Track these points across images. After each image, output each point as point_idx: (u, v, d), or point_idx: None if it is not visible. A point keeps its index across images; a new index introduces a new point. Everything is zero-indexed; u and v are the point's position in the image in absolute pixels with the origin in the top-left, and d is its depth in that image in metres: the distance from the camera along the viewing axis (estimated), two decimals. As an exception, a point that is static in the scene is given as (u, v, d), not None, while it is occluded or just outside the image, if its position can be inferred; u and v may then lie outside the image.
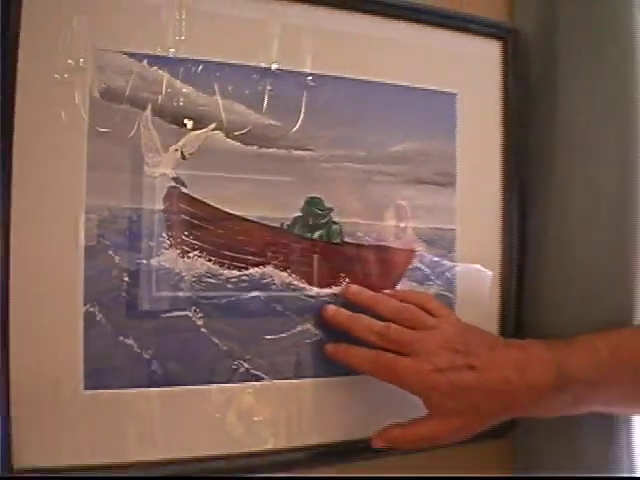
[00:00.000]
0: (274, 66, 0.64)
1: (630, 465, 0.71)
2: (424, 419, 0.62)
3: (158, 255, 0.60)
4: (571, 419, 0.69)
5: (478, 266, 0.75)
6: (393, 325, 0.63)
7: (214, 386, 0.62)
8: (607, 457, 0.72)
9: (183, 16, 0.61)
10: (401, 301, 0.66)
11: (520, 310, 0.77)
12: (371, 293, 0.67)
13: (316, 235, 0.66)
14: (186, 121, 0.61)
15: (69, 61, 0.56)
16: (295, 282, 0.65)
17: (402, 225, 0.71)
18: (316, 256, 0.67)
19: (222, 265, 0.62)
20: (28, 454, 0.55)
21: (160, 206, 0.60)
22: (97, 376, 0.57)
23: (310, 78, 0.66)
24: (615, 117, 0.71)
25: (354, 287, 0.67)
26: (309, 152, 0.66)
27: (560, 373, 0.62)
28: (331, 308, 0.66)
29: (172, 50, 0.60)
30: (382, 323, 0.63)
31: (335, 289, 0.67)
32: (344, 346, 0.64)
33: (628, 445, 0.72)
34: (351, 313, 0.65)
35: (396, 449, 0.64)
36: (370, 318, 0.64)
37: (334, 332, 0.65)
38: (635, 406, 0.69)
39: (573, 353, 0.64)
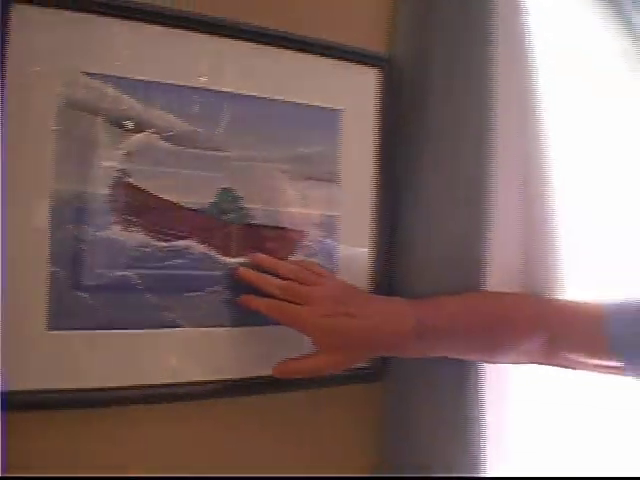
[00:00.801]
0: (201, 83, 0.77)
1: (477, 397, 0.82)
2: (313, 354, 0.72)
3: (106, 229, 0.71)
4: (430, 365, 0.81)
5: (356, 246, 0.86)
6: (291, 282, 0.74)
7: (147, 331, 0.73)
8: (460, 393, 0.82)
9: (135, 39, 0.73)
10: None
11: (391, 276, 0.87)
12: (273, 259, 0.78)
13: (228, 218, 0.78)
14: (130, 126, 0.73)
15: (37, 68, 0.68)
16: (211, 253, 0.76)
17: (296, 211, 0.82)
18: (228, 233, 0.78)
19: (154, 238, 0.73)
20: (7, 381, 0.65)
21: (108, 191, 0.71)
22: (58, 320, 0.69)
23: (229, 95, 0.78)
24: (472, 118, 0.83)
25: (260, 255, 0.78)
26: (225, 153, 0.78)
27: (418, 323, 0.73)
28: (243, 269, 0.76)
29: (119, 65, 0.72)
30: (282, 280, 0.74)
31: (243, 259, 0.78)
32: (254, 296, 0.74)
33: (476, 381, 0.83)
34: (258, 273, 0.76)
35: (291, 378, 0.74)
36: (272, 277, 0.75)
37: (241, 291, 0.76)
38: (478, 353, 0.81)
39: (429, 308, 0.76)
